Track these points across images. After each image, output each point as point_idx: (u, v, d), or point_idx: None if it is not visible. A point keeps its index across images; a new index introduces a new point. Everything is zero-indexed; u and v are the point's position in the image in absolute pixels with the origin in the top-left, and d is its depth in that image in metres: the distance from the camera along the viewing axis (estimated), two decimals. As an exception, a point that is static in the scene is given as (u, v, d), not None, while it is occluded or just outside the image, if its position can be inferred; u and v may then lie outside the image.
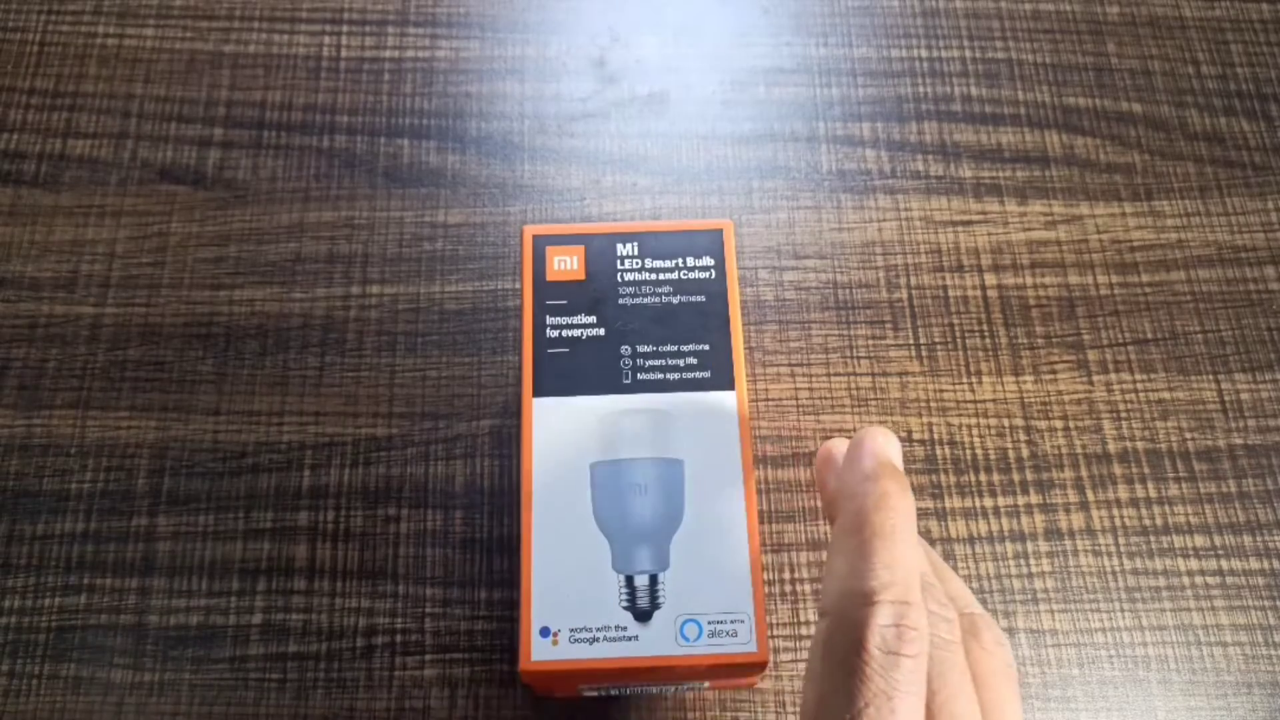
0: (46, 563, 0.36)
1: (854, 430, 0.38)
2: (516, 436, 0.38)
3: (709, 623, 0.28)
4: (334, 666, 0.35)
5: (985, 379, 0.39)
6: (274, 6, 0.46)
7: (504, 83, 0.44)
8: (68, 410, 0.38)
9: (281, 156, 0.42)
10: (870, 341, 0.40)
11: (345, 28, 0.45)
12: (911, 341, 0.40)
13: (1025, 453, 0.38)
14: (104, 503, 0.37)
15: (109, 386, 0.39)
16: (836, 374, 0.39)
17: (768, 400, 0.38)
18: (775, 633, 0.35)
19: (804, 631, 0.35)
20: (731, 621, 0.28)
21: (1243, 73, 0.45)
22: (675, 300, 0.32)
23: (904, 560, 0.22)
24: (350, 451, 0.38)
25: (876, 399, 0.39)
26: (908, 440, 0.38)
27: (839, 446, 0.29)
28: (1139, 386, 0.39)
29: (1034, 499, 0.37)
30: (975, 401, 0.39)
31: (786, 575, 0.36)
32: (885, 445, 0.25)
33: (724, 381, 0.31)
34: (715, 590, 0.28)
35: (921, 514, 0.37)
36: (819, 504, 0.37)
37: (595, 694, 0.33)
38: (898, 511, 0.23)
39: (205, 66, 0.44)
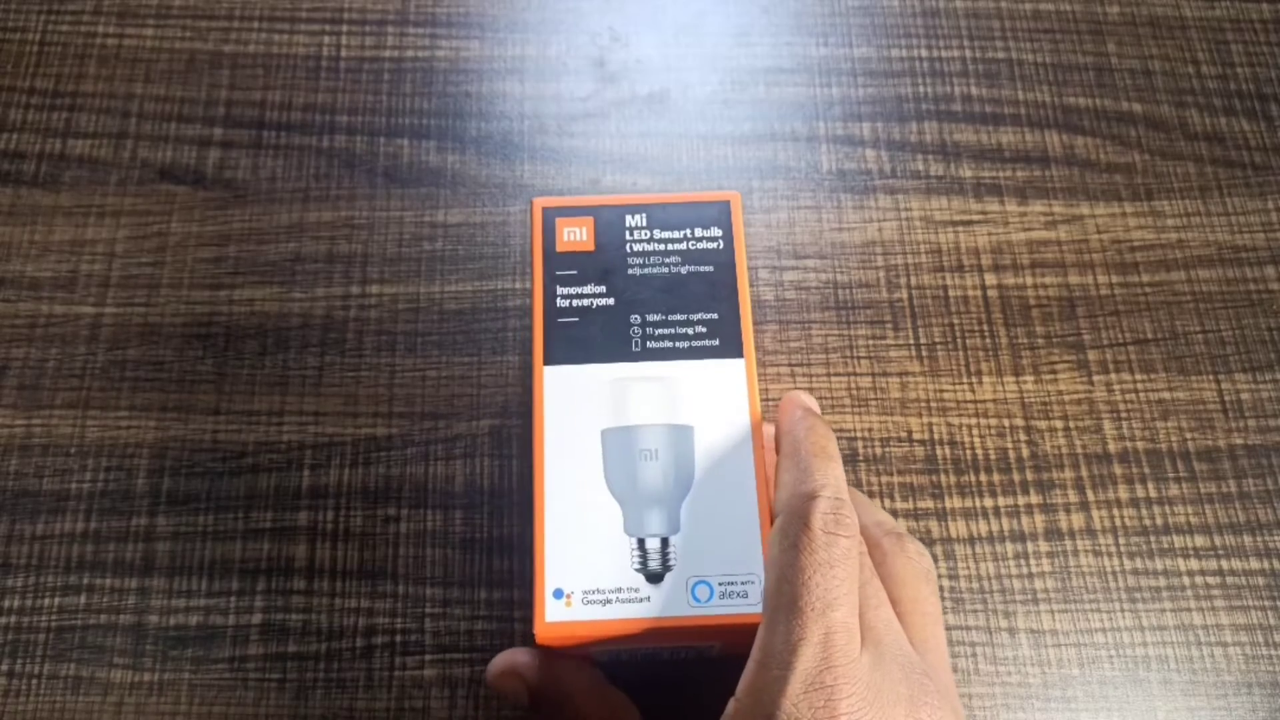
0: (46, 563, 0.36)
1: (853, 431, 0.38)
2: (517, 436, 0.38)
3: (720, 584, 0.29)
4: (334, 666, 0.35)
5: (985, 379, 0.39)
6: (274, 6, 0.46)
7: (504, 83, 0.44)
8: (67, 410, 0.38)
9: (281, 156, 0.42)
10: (870, 341, 0.40)
11: (345, 28, 0.45)
12: (911, 341, 0.40)
13: (1025, 453, 0.38)
14: (104, 503, 0.37)
15: (109, 386, 0.39)
16: (836, 374, 0.39)
17: (767, 400, 0.38)
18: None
19: (804, 631, 0.35)
20: (742, 583, 0.29)
21: (1243, 73, 0.45)
22: (684, 270, 0.32)
23: (835, 471, 0.28)
24: (350, 451, 0.38)
25: (876, 399, 0.39)
26: (908, 440, 0.38)
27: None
28: (1139, 386, 0.39)
29: (1034, 499, 0.37)
30: (975, 401, 0.39)
31: (786, 575, 0.36)
32: (808, 400, 0.31)
33: (733, 349, 0.31)
34: (725, 552, 0.29)
35: (921, 514, 0.37)
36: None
37: (606, 659, 0.33)
38: (825, 437, 0.29)
39: (205, 66, 0.44)
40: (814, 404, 0.32)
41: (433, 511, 0.37)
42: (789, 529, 0.27)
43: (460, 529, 0.36)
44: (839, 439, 0.38)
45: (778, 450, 0.30)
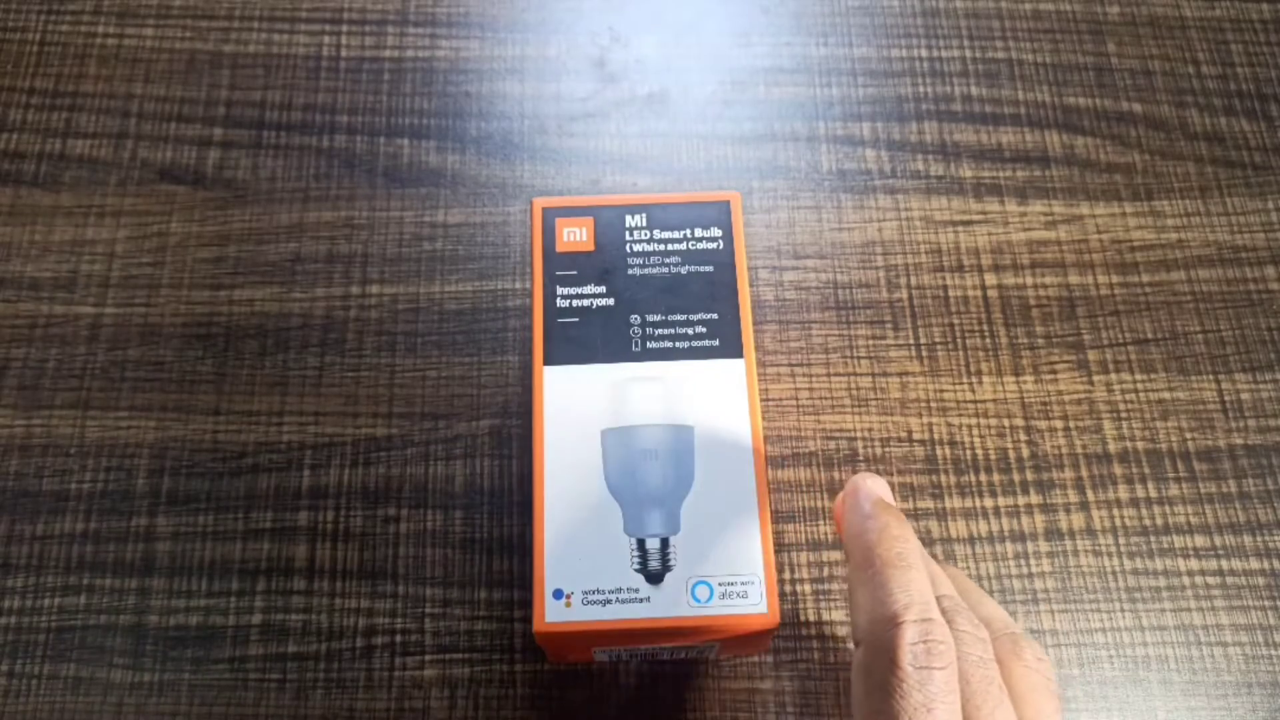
0: (46, 563, 0.36)
1: (853, 431, 0.38)
2: (517, 436, 0.38)
3: (719, 584, 0.29)
4: (334, 667, 0.35)
5: (985, 379, 0.39)
6: (274, 6, 0.46)
7: (504, 83, 0.44)
8: (68, 410, 0.38)
9: (281, 156, 0.42)
10: (870, 341, 0.40)
11: (345, 28, 0.45)
12: (911, 341, 0.40)
13: (1025, 453, 0.38)
14: (104, 503, 0.37)
15: (109, 386, 0.39)
16: (836, 374, 0.39)
17: (768, 400, 0.38)
18: (777, 634, 0.35)
19: (805, 632, 0.35)
20: (742, 583, 0.29)
21: (1243, 73, 0.45)
22: (683, 270, 0.32)
23: (917, 582, 0.25)
24: (350, 451, 0.38)
25: (876, 399, 0.39)
26: (908, 440, 0.38)
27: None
28: (1139, 386, 0.39)
29: (1034, 499, 0.37)
30: (975, 401, 0.39)
31: (787, 575, 0.36)
32: (876, 487, 0.28)
33: (733, 349, 0.31)
34: (726, 553, 0.29)
35: (921, 514, 0.37)
36: (821, 504, 0.37)
37: (607, 658, 0.33)
38: (900, 540, 0.26)
39: (205, 66, 0.44)
40: (882, 490, 0.28)
41: (433, 511, 0.37)
42: (874, 666, 0.24)
43: (460, 529, 0.36)
44: (839, 439, 0.38)
45: (846, 554, 0.27)
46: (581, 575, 0.29)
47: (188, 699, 0.34)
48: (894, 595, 0.24)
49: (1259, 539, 0.37)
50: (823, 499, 0.37)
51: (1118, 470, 0.38)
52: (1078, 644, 0.35)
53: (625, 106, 0.44)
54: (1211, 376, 0.39)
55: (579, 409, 0.31)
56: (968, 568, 0.36)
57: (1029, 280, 0.41)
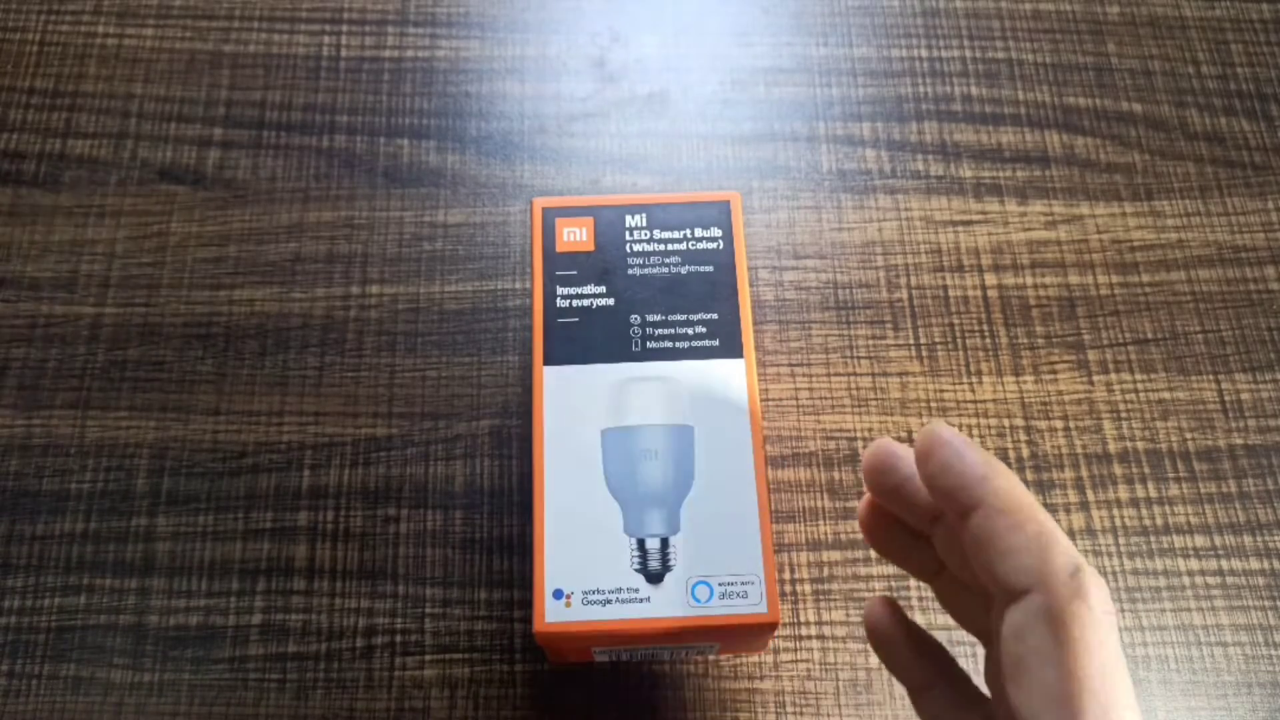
0: (46, 563, 0.36)
1: (853, 431, 0.38)
2: (517, 436, 0.38)
3: (719, 584, 0.29)
4: (334, 667, 0.35)
5: (985, 379, 0.39)
6: (274, 6, 0.46)
7: (504, 83, 0.44)
8: (68, 410, 0.38)
9: (281, 156, 0.42)
10: (870, 341, 0.40)
11: (345, 28, 0.45)
12: (911, 341, 0.40)
13: (1025, 453, 0.38)
14: (104, 503, 0.37)
15: (109, 386, 0.39)
16: (836, 374, 0.39)
17: (768, 400, 0.38)
18: (776, 634, 0.35)
19: (805, 632, 0.35)
20: (742, 583, 0.29)
21: (1243, 73, 0.45)
22: (683, 270, 0.32)
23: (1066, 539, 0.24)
24: (350, 451, 0.38)
25: (876, 399, 0.39)
26: (908, 440, 0.38)
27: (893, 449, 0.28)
28: (1139, 386, 0.39)
29: (1034, 499, 0.37)
30: (975, 401, 0.39)
31: (787, 575, 0.36)
32: (967, 445, 0.25)
33: (733, 349, 0.31)
34: (725, 553, 0.29)
35: (921, 514, 0.37)
36: (821, 504, 0.37)
37: (607, 658, 0.33)
38: (1022, 486, 0.24)
39: (205, 66, 0.44)
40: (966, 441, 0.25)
41: (433, 511, 0.37)
42: (1062, 614, 0.22)
43: (460, 529, 0.36)
44: (839, 439, 0.38)
45: (957, 503, 0.24)
46: (581, 575, 0.29)
47: (188, 699, 0.34)
48: (1064, 547, 0.23)
49: (1259, 539, 0.37)
50: (822, 499, 0.37)
51: (1118, 470, 0.38)
52: (1078, 644, 0.35)
53: (625, 106, 0.44)
54: (1211, 376, 0.39)
55: (579, 409, 0.31)
56: (968, 568, 0.36)
57: (1029, 280, 0.41)
